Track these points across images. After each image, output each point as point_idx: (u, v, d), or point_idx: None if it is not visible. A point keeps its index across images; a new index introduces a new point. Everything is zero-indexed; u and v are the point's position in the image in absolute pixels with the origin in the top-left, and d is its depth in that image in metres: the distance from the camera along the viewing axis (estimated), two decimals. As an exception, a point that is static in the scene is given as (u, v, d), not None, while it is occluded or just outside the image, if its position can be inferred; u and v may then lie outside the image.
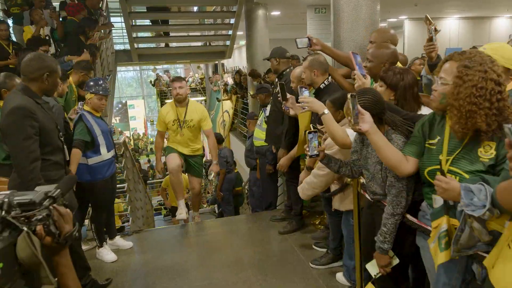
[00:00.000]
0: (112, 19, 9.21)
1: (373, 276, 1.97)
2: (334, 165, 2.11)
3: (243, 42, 13.62)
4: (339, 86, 2.91)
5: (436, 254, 1.51)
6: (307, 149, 2.05)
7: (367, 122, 1.67)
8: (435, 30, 2.18)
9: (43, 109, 2.29)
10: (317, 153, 2.05)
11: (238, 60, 18.52)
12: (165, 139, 4.62)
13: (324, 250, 3.19)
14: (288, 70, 3.58)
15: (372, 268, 1.96)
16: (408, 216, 1.79)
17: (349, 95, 1.69)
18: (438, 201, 1.58)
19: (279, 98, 3.09)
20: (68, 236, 1.04)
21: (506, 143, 1.04)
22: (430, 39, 2.18)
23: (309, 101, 2.26)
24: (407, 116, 1.85)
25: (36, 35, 4.94)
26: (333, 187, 2.66)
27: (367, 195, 2.15)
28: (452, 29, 12.00)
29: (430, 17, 2.22)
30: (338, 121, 2.53)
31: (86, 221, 3.66)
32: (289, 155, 3.35)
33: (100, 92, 3.15)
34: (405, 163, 1.66)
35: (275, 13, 9.71)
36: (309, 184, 2.63)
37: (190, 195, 4.83)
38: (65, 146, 2.48)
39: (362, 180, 2.29)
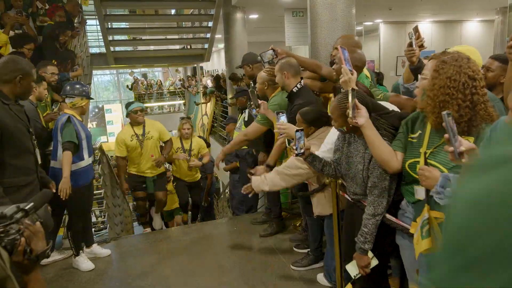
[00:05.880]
0: (88, 22, 9.02)
1: (353, 277, 1.98)
2: (318, 164, 2.10)
3: (221, 45, 13.61)
4: (309, 87, 2.93)
5: (417, 243, 1.54)
6: (294, 147, 2.04)
7: (363, 116, 1.71)
8: (416, 34, 2.22)
9: (11, 110, 2.25)
10: (303, 151, 2.05)
11: (217, 63, 18.48)
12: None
13: (305, 251, 3.20)
14: None
15: (352, 268, 1.98)
16: (387, 215, 1.82)
17: (349, 89, 1.74)
18: (419, 192, 1.62)
19: (251, 105, 3.07)
20: (40, 254, 1.02)
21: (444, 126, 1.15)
22: (410, 45, 2.23)
23: (286, 128, 2.25)
24: (391, 114, 1.88)
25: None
26: (311, 187, 2.67)
27: (346, 196, 2.17)
28: (425, 32, 12.32)
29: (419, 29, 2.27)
30: (308, 136, 2.53)
31: (62, 229, 3.55)
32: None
33: (89, 95, 3.28)
34: (395, 158, 1.71)
35: (253, 16, 9.74)
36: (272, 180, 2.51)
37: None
38: (37, 150, 2.41)
39: (341, 181, 2.31)
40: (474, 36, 12.65)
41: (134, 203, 4.90)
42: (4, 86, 2.26)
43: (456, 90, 1.47)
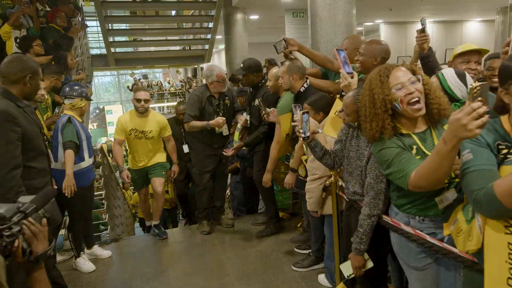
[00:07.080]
0: (88, 23, 9.04)
1: (346, 277, 1.98)
2: (320, 151, 2.09)
3: (222, 46, 13.62)
4: (316, 87, 2.93)
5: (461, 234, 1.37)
6: (301, 130, 1.99)
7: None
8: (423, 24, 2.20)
9: (25, 113, 2.16)
10: (308, 135, 2.00)
11: (217, 64, 18.50)
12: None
13: (306, 252, 3.20)
14: (263, 81, 3.59)
15: (346, 269, 1.97)
16: (384, 216, 1.81)
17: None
18: (445, 200, 1.52)
19: (263, 114, 3.12)
20: (40, 255, 1.00)
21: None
22: (422, 30, 2.19)
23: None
24: None
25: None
26: None
27: (345, 197, 2.16)
28: (426, 32, 12.33)
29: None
30: (318, 122, 2.57)
31: (62, 231, 3.55)
32: (267, 171, 3.33)
33: (88, 97, 3.27)
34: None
35: (254, 17, 9.75)
36: (309, 200, 2.61)
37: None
38: (49, 151, 2.39)
39: (340, 182, 2.30)
40: (475, 36, 12.65)
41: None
42: (13, 87, 2.14)
43: None
